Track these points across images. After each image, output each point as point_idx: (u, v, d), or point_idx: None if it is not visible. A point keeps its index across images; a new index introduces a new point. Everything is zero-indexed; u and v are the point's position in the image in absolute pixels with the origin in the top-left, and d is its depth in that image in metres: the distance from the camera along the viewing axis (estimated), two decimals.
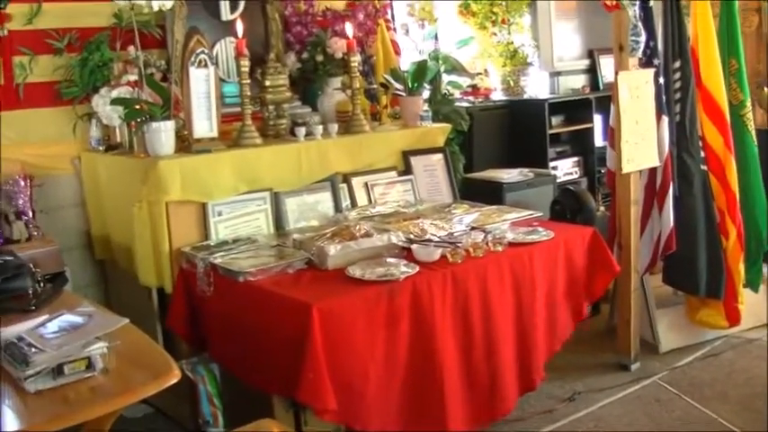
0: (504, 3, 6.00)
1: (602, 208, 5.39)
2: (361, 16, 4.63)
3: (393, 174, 4.27)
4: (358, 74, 4.19)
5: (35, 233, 3.76)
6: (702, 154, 4.31)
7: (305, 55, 4.45)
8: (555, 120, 5.75)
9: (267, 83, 4.06)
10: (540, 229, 3.74)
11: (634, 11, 3.94)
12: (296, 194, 3.91)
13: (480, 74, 5.97)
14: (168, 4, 3.71)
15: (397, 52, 5.13)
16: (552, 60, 6.19)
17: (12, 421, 2.28)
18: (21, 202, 3.77)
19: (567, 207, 4.67)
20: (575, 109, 5.87)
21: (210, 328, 3.51)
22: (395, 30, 5.27)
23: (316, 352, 2.87)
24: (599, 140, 5.84)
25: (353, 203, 4.08)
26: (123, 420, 2.51)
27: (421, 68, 4.54)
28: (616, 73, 4.02)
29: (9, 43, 3.96)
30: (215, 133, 3.72)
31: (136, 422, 3.70)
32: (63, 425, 2.29)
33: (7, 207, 3.79)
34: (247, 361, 3.30)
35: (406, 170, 4.32)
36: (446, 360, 3.25)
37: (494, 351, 3.42)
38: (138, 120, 3.66)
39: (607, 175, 4.52)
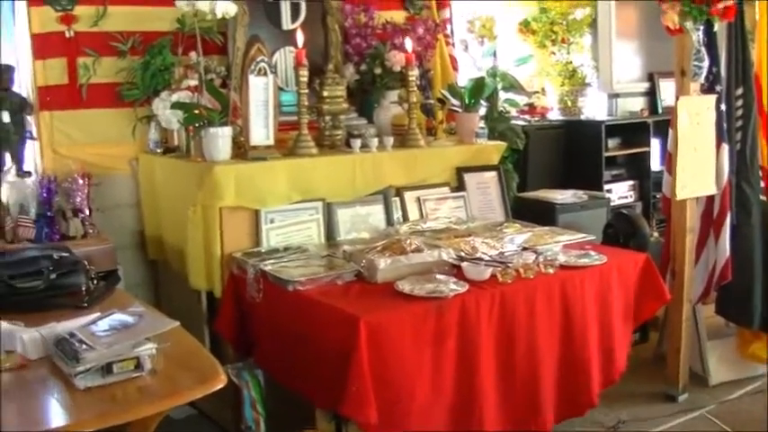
0: (564, 22, 5.98)
1: (655, 234, 5.32)
2: (420, 30, 4.62)
3: (446, 189, 4.26)
4: (415, 88, 4.19)
5: (91, 231, 3.82)
6: (762, 184, 4.24)
7: (363, 67, 4.46)
8: (611, 142, 5.70)
9: (325, 93, 4.08)
10: (593, 252, 3.70)
11: (698, 35, 3.89)
12: (348, 206, 3.92)
13: (538, 92, 5.95)
14: (231, 12, 3.75)
15: (455, 68, 5.14)
16: (611, 82, 6.15)
17: (60, 416, 2.32)
18: (78, 199, 3.83)
19: (620, 231, 4.62)
20: (632, 132, 5.82)
21: (257, 335, 3.53)
22: (453, 45, 5.27)
23: (361, 365, 2.87)
24: (656, 165, 5.78)
25: (405, 217, 4.07)
26: (168, 421, 2.52)
27: (478, 85, 4.53)
28: (677, 98, 3.97)
29: (75, 44, 4.05)
30: (271, 141, 3.74)
31: (180, 423, 3.72)
32: (109, 423, 2.31)
33: (65, 204, 3.85)
34: (292, 369, 3.31)
35: (460, 186, 4.30)
36: (489, 380, 3.23)
37: (538, 374, 3.38)
38: (197, 125, 3.69)
39: (662, 201, 4.45)
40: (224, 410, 3.67)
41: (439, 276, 3.32)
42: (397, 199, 4.09)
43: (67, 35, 4.04)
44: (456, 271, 3.41)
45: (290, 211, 3.77)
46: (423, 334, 3.06)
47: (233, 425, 3.66)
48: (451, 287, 3.20)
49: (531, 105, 5.82)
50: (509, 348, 3.29)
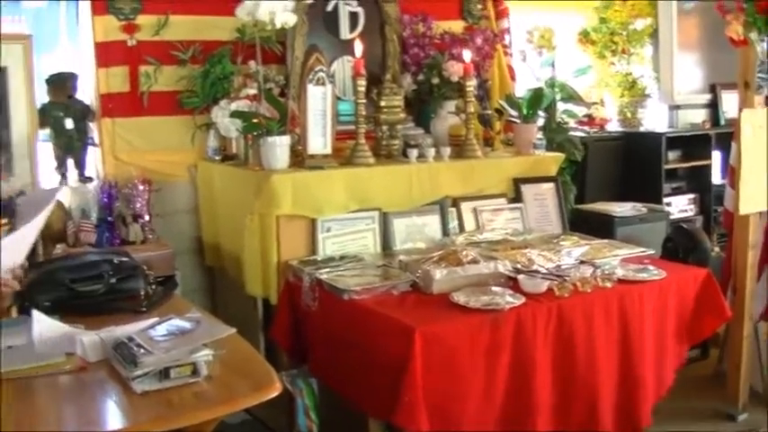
0: (624, 32, 5.91)
1: (716, 249, 5.23)
2: (479, 41, 4.60)
3: (503, 201, 4.23)
4: (473, 98, 4.17)
5: (150, 236, 3.88)
6: None
7: (421, 77, 4.45)
8: (672, 154, 5.62)
9: (382, 103, 4.09)
10: (651, 267, 3.64)
11: (762, 47, 3.82)
12: (405, 216, 3.91)
13: (597, 103, 5.88)
14: (291, 22, 3.78)
15: (513, 78, 5.11)
16: (672, 93, 6.07)
17: (117, 419, 2.34)
18: (138, 205, 3.89)
19: (679, 245, 4.55)
20: (693, 144, 5.74)
21: (312, 343, 3.54)
22: (512, 55, 5.24)
23: (415, 376, 2.86)
24: (717, 178, 5.68)
25: (461, 228, 4.05)
26: (222, 426, 2.53)
27: (537, 96, 4.50)
28: (740, 110, 3.90)
29: (137, 53, 4.12)
30: (329, 150, 3.75)
31: (233, 428, 3.74)
32: (165, 427, 2.33)
33: (125, 209, 3.91)
34: (346, 378, 3.31)
35: (517, 198, 4.27)
36: (543, 395, 3.19)
37: (594, 390, 3.33)
38: (255, 133, 3.72)
39: (724, 215, 4.38)
40: (278, 417, 3.68)
41: (495, 288, 3.30)
42: (454, 209, 4.07)
43: (130, 44, 4.10)
44: (512, 283, 3.38)
45: (347, 220, 3.78)
46: (477, 346, 3.04)
47: (286, 431, 3.67)
48: (507, 300, 3.18)
49: (589, 116, 5.76)
50: (565, 363, 3.25)
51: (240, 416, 3.77)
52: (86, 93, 4.13)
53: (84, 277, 3.17)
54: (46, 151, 3.97)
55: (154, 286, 3.30)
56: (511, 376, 3.11)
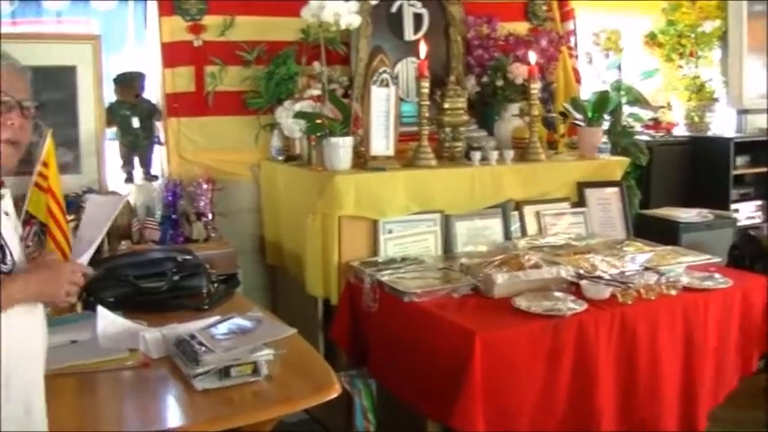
0: (693, 35, 5.81)
1: None
2: (544, 42, 4.56)
3: (566, 205, 4.19)
4: (537, 101, 4.13)
5: (213, 234, 3.92)
6: None
7: (485, 79, 4.41)
8: (740, 160, 5.49)
9: (446, 105, 4.07)
10: (717, 275, 3.56)
11: None
12: (466, 218, 3.89)
13: (663, 107, 5.78)
14: (355, 23, 3.78)
15: (578, 81, 5.05)
16: (741, 97, 5.92)
17: (177, 416, 2.37)
18: (202, 204, 3.94)
19: (746, 253, 4.46)
20: (762, 150, 5.59)
21: (371, 344, 3.53)
22: (577, 57, 5.18)
23: (474, 379, 2.85)
24: None
25: (523, 232, 4.03)
26: (280, 424, 2.55)
27: (602, 99, 4.44)
28: None
29: (202, 53, 4.16)
30: (391, 152, 3.75)
31: (291, 427, 3.75)
32: (225, 426, 2.35)
33: (189, 208, 3.96)
34: (405, 380, 3.30)
35: (580, 202, 4.22)
36: (605, 403, 3.14)
37: (656, 398, 3.28)
38: (319, 134, 3.73)
39: None
40: (335, 417, 3.69)
41: (557, 294, 3.26)
42: (516, 213, 4.05)
43: (196, 44, 4.15)
44: (574, 289, 3.35)
45: (408, 221, 3.77)
46: (538, 352, 3.01)
47: (344, 431, 3.68)
48: (569, 305, 3.14)
49: (655, 120, 5.67)
50: (627, 371, 3.20)
51: (298, 415, 3.78)
52: (153, 92, 4.19)
53: (148, 274, 3.23)
54: (113, 149, 4.04)
55: (216, 284, 3.34)
56: (571, 383, 3.08)
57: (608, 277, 3.38)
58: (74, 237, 3.30)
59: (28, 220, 3.38)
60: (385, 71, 3.69)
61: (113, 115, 3.98)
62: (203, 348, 2.43)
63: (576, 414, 3.10)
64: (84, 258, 2.13)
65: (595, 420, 3.12)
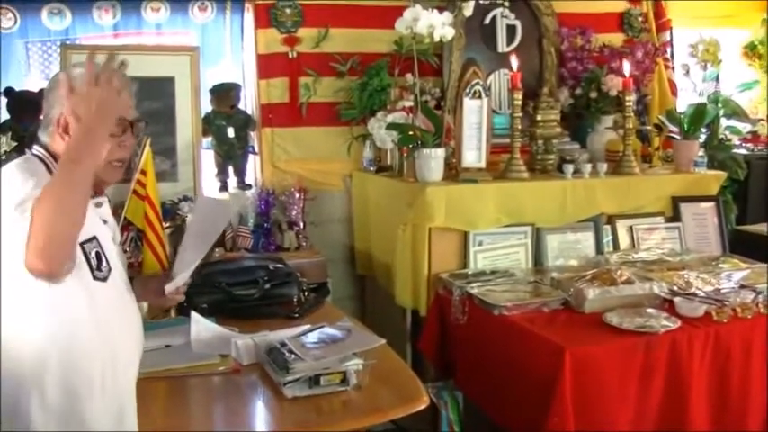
0: None
1: None
2: (639, 54, 4.49)
3: (660, 219, 4.10)
4: (632, 113, 4.06)
5: (304, 243, 3.97)
6: None
7: (578, 91, 4.37)
8: None
9: (538, 117, 4.04)
10: None
11: None
12: (558, 232, 3.85)
13: (762, 120, 5.62)
14: (449, 35, 3.78)
15: (674, 93, 4.95)
16: None
17: (266, 422, 2.41)
18: (294, 213, 4.00)
19: None
20: None
21: (459, 356, 3.52)
22: (673, 69, 5.08)
23: (564, 396, 2.82)
24: None
25: (616, 246, 3.96)
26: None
27: (699, 111, 4.33)
28: None
29: (297, 65, 4.23)
30: (483, 164, 3.74)
31: None
32: None
33: (281, 217, 4.02)
34: (492, 394, 3.28)
35: (674, 217, 4.12)
36: (697, 422, 3.06)
37: (748, 419, 3.18)
38: (411, 145, 3.74)
39: None
40: (421, 427, 3.68)
41: (649, 310, 3.20)
42: (608, 227, 3.98)
43: (290, 56, 4.21)
44: (667, 306, 3.27)
45: (499, 234, 3.75)
46: (629, 369, 2.96)
47: None
48: (663, 323, 3.07)
49: (754, 134, 5.51)
50: (722, 391, 3.12)
51: (384, 425, 3.78)
52: (248, 103, 4.27)
53: (241, 281, 3.29)
54: (208, 158, 4.12)
55: (306, 293, 3.39)
56: (663, 401, 3.02)
57: (703, 294, 3.30)
58: (170, 244, 3.40)
59: (126, 226, 3.48)
60: (478, 83, 3.69)
61: (209, 125, 4.06)
62: (293, 356, 2.46)
63: None
64: (184, 275, 2.19)
65: None
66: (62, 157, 1.84)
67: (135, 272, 3.44)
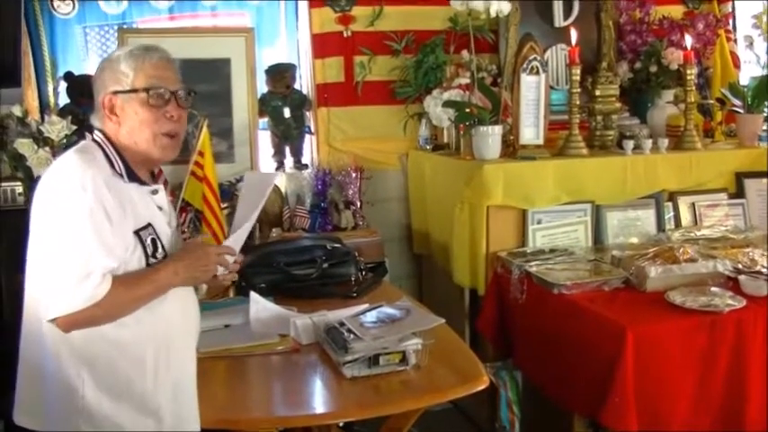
0: None
1: None
2: (700, 26, 4.40)
3: (723, 196, 4.00)
4: (693, 87, 3.97)
5: (360, 223, 3.97)
6: None
7: (638, 65, 4.30)
8: None
9: (597, 92, 3.97)
10: None
11: None
12: (618, 209, 3.79)
13: None
14: (505, 10, 3.74)
15: (737, 66, 4.82)
16: None
17: (325, 402, 2.41)
18: (351, 192, 4.00)
19: None
20: None
21: (517, 335, 3.50)
22: (736, 42, 4.95)
23: (625, 376, 2.78)
24: None
25: (677, 223, 3.89)
26: (424, 413, 2.55)
27: (763, 84, 4.22)
28: None
29: (352, 44, 4.22)
30: (541, 141, 3.69)
31: (434, 415, 3.74)
32: (372, 414, 2.38)
33: (338, 196, 4.02)
34: (551, 373, 3.25)
35: (738, 193, 4.03)
36: (762, 404, 2.99)
37: None
38: (467, 123, 3.71)
39: None
40: (480, 407, 3.68)
41: (713, 289, 3.13)
42: (670, 203, 3.91)
43: (345, 35, 4.21)
44: (732, 284, 3.20)
45: (558, 212, 3.70)
46: (692, 349, 2.91)
47: (488, 423, 3.66)
48: (727, 302, 3.01)
49: None
50: None
51: (442, 404, 3.78)
52: (303, 83, 4.28)
53: (298, 261, 3.30)
54: (264, 139, 4.14)
55: (364, 272, 3.39)
56: (727, 382, 2.95)
57: None
58: (228, 224, 3.42)
59: (184, 207, 3.51)
60: (535, 58, 3.63)
61: (265, 106, 4.08)
62: (352, 336, 2.46)
63: (730, 415, 2.96)
64: (234, 239, 2.19)
65: (751, 423, 2.98)
66: (156, 274, 1.96)
67: None
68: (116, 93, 2.00)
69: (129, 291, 1.90)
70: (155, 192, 2.08)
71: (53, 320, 1.85)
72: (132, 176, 2.01)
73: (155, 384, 1.99)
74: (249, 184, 2.50)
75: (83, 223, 1.84)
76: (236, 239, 2.19)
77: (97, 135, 2.03)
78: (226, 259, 2.10)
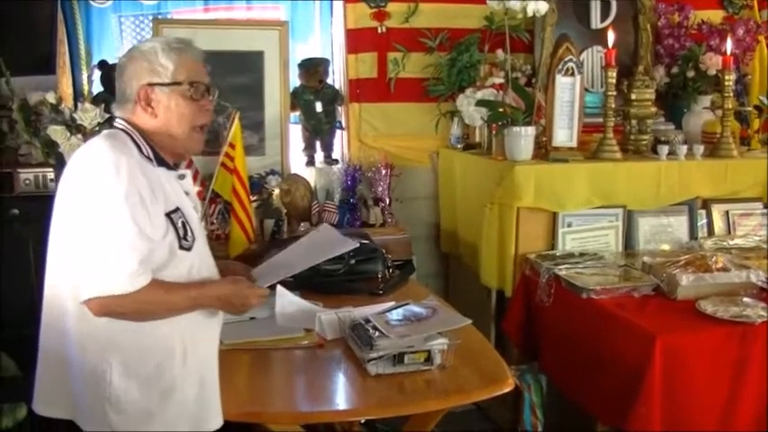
0: None
1: None
2: (740, 32, 4.34)
3: (758, 205, 3.94)
4: (731, 93, 3.91)
5: (389, 220, 3.95)
6: None
7: (675, 69, 4.26)
8: None
9: (632, 96, 3.92)
10: None
11: None
12: (650, 215, 3.75)
13: None
14: (542, 10, 3.70)
15: None
16: None
17: (348, 398, 2.39)
18: (380, 189, 3.98)
19: None
20: None
21: (544, 339, 3.46)
22: None
23: (653, 385, 2.75)
24: None
25: (710, 232, 3.84)
26: (447, 413, 2.53)
27: None
28: None
29: (386, 40, 4.21)
30: (574, 143, 3.66)
31: (456, 416, 3.72)
32: (395, 412, 2.37)
33: (367, 192, 4.01)
34: (576, 379, 3.22)
35: None
36: None
37: None
38: (500, 123, 3.68)
39: None
40: (503, 410, 3.66)
41: (746, 299, 3.09)
42: (703, 211, 3.86)
43: (379, 31, 4.19)
44: (765, 295, 3.15)
45: (589, 216, 3.67)
46: (722, 360, 2.86)
47: (510, 426, 3.64)
48: (760, 313, 2.95)
49: None
50: None
51: (465, 405, 3.77)
52: (336, 78, 4.26)
53: None
54: (295, 133, 4.13)
55: (391, 270, 3.37)
56: (758, 395, 2.89)
57: None
58: (256, 216, 3.42)
59: (213, 198, 3.52)
60: (570, 59, 3.60)
61: (297, 99, 4.07)
62: (377, 333, 2.45)
63: (761, 428, 2.91)
64: (267, 275, 2.27)
65: None
66: (197, 291, 2.02)
67: (222, 244, 3.49)
68: (153, 85, 2.00)
69: (167, 294, 1.93)
70: (182, 177, 2.11)
71: (87, 301, 1.85)
72: (160, 161, 2.03)
73: (183, 373, 2.00)
74: (320, 237, 2.53)
75: (119, 207, 1.85)
76: (269, 276, 2.26)
77: (120, 123, 2.05)
78: (260, 302, 2.17)
